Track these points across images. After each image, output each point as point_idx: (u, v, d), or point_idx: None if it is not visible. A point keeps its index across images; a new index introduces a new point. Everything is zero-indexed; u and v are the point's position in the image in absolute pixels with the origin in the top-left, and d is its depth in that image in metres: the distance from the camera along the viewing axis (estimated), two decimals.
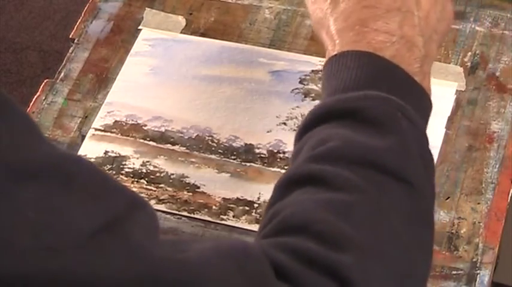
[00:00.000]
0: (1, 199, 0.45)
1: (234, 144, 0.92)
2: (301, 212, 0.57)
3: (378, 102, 0.62)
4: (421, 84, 0.65)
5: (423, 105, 0.66)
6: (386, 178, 0.59)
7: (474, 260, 0.82)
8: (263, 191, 0.89)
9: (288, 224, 0.57)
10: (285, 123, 0.93)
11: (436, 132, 0.90)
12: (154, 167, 0.92)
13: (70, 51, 1.02)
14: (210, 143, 0.93)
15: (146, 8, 1.04)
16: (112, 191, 0.51)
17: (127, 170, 0.92)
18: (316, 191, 0.58)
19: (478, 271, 0.82)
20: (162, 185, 0.90)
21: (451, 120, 0.91)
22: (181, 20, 1.03)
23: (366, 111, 0.61)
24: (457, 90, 0.93)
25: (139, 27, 1.03)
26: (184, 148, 0.93)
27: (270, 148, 0.92)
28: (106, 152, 0.93)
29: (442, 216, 0.85)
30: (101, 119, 0.96)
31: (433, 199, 0.63)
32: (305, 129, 0.64)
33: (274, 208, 0.60)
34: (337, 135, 0.61)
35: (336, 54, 0.66)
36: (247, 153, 0.92)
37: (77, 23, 1.04)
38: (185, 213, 0.88)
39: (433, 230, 0.62)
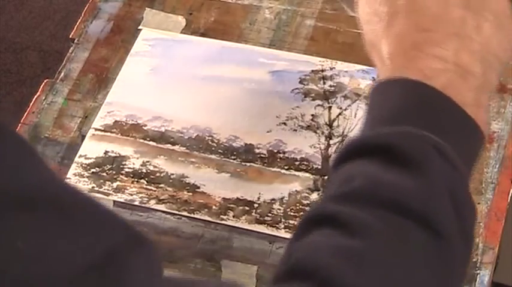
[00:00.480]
0: None
1: (234, 144, 0.92)
2: (312, 258, 0.55)
3: (413, 140, 0.58)
4: (473, 117, 0.60)
5: (472, 140, 0.61)
6: (409, 222, 0.55)
7: (474, 260, 0.82)
8: (263, 191, 0.89)
9: (298, 269, 0.55)
10: (285, 123, 0.93)
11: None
12: (154, 167, 0.92)
13: (70, 51, 1.02)
14: (210, 143, 0.93)
15: (146, 8, 1.04)
16: (110, 224, 0.48)
17: (127, 170, 0.92)
18: (332, 233, 0.55)
19: (478, 271, 0.82)
20: (162, 185, 0.90)
21: None
22: (181, 20, 1.03)
23: (399, 148, 0.57)
24: None
25: (139, 27, 1.03)
26: (184, 148, 0.93)
27: (270, 148, 0.92)
28: (106, 152, 0.93)
29: None
30: (101, 119, 0.96)
31: (466, 252, 0.58)
32: (339, 161, 0.61)
33: (291, 249, 0.57)
34: (364, 173, 0.57)
35: (384, 81, 0.62)
36: (247, 153, 0.92)
37: (77, 23, 1.04)
38: (185, 213, 0.88)
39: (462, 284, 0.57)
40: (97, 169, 0.92)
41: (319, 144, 0.91)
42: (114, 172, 0.92)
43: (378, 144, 0.59)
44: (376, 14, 0.65)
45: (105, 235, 0.47)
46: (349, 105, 0.94)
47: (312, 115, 0.93)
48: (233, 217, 0.87)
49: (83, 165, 0.93)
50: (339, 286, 0.52)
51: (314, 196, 0.88)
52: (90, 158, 0.93)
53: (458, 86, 0.60)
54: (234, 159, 0.91)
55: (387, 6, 0.65)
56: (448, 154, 0.58)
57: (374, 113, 0.62)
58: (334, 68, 0.96)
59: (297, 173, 0.89)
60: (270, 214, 0.87)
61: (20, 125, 0.97)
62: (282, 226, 0.86)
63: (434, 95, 0.60)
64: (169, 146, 0.93)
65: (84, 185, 0.91)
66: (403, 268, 0.54)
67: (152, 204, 0.89)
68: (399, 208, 0.55)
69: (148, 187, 0.90)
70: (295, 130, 0.92)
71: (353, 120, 0.92)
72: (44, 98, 0.98)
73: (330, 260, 0.54)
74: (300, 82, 0.96)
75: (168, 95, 0.97)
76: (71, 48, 1.02)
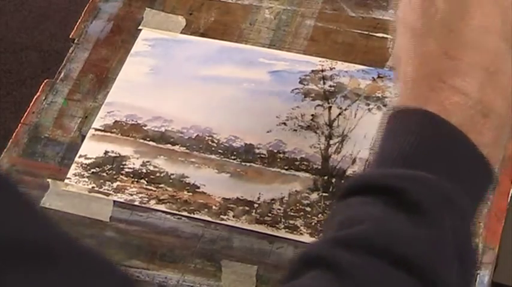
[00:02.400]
0: None
1: (234, 144, 0.92)
2: None
3: (424, 187, 0.55)
4: (490, 157, 0.58)
5: (485, 182, 0.59)
6: (410, 278, 0.52)
7: None
8: (263, 191, 0.89)
9: None
10: (285, 124, 0.93)
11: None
12: (154, 167, 0.92)
13: (70, 51, 1.02)
14: (210, 143, 0.93)
15: (146, 8, 1.04)
16: (103, 273, 0.48)
17: (127, 170, 0.92)
18: (326, 279, 0.53)
19: (478, 271, 0.82)
20: (162, 185, 0.90)
21: None
22: (181, 20, 1.03)
23: (408, 194, 0.55)
24: None
25: (140, 27, 1.03)
26: (184, 148, 0.93)
27: (270, 148, 0.92)
28: (106, 152, 0.93)
29: None
30: (101, 119, 0.96)
31: None
32: (346, 194, 0.58)
33: None
34: (367, 217, 0.55)
35: (402, 109, 0.59)
36: (247, 153, 0.92)
37: (77, 23, 1.04)
38: (185, 213, 0.88)
39: None
40: (97, 169, 0.92)
41: (319, 144, 0.91)
42: (114, 172, 0.92)
43: (388, 185, 0.56)
44: (411, 28, 0.62)
45: (97, 284, 0.47)
46: (349, 105, 0.94)
47: (312, 115, 0.93)
48: (233, 217, 0.87)
49: (83, 165, 0.93)
50: None
51: (314, 196, 0.88)
52: (90, 158, 0.93)
53: (479, 125, 0.57)
54: (234, 159, 0.91)
55: (422, 22, 0.61)
56: (459, 203, 0.55)
57: (387, 145, 0.59)
58: (334, 68, 0.96)
59: (297, 173, 0.89)
60: (270, 214, 0.87)
61: (20, 125, 0.97)
62: (282, 226, 0.86)
63: (451, 134, 0.57)
64: (169, 146, 0.93)
65: (84, 185, 0.91)
66: None
67: (152, 204, 0.89)
68: (401, 260, 0.53)
69: (148, 187, 0.90)
70: (295, 130, 0.92)
71: (353, 121, 0.92)
72: (44, 98, 0.98)
73: None
74: (300, 82, 0.96)
75: (168, 95, 0.97)
76: (71, 48, 1.02)
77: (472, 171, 0.58)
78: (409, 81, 0.60)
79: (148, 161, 0.92)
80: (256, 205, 0.88)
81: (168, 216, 0.88)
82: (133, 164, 0.92)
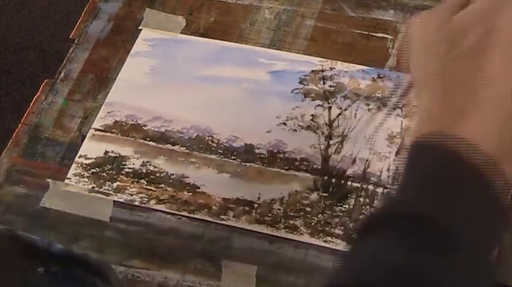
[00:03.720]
0: None
1: (234, 144, 0.92)
2: None
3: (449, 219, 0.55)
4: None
5: (497, 222, 0.58)
6: None
7: None
8: (263, 191, 0.89)
9: None
10: (285, 124, 0.93)
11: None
12: (154, 167, 0.92)
13: (70, 51, 1.02)
14: (210, 143, 0.93)
15: (146, 8, 1.04)
16: None
17: (127, 170, 0.92)
18: None
19: None
20: (162, 185, 0.90)
21: None
22: (181, 20, 1.03)
23: (430, 229, 0.55)
24: None
25: (140, 28, 1.03)
26: (184, 148, 0.93)
27: (270, 148, 0.92)
28: (106, 152, 0.93)
29: None
30: (101, 119, 0.96)
31: None
32: (366, 229, 0.58)
33: None
34: (388, 265, 0.54)
35: (423, 143, 0.59)
36: (247, 153, 0.92)
37: (77, 23, 1.04)
38: (185, 213, 0.88)
39: None
40: (97, 169, 0.92)
41: (319, 144, 0.91)
42: (114, 172, 0.92)
43: (409, 216, 0.56)
44: (435, 51, 0.61)
45: None
46: (349, 106, 0.94)
47: (312, 115, 0.93)
48: (233, 217, 0.87)
49: (83, 165, 0.93)
50: None
51: (314, 196, 0.88)
52: (90, 158, 0.93)
53: (508, 153, 0.57)
54: (234, 159, 0.91)
55: (450, 45, 0.61)
56: (476, 238, 0.56)
57: (411, 176, 0.59)
58: (334, 68, 0.96)
59: (297, 173, 0.89)
60: (270, 214, 0.87)
61: (20, 125, 0.97)
62: (282, 226, 0.86)
63: (470, 174, 0.57)
64: (169, 146, 0.93)
65: (84, 185, 0.91)
66: None
67: (152, 204, 0.89)
68: None
69: (148, 187, 0.90)
70: (295, 130, 0.92)
71: (353, 121, 0.92)
72: (44, 98, 0.98)
73: None
74: (300, 82, 0.96)
75: (168, 95, 0.97)
76: (71, 48, 1.02)
77: (487, 212, 0.57)
78: (436, 105, 0.59)
79: (148, 161, 0.92)
80: (256, 205, 0.88)
81: (168, 216, 0.88)
82: (133, 164, 0.92)
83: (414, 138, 0.59)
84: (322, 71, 0.96)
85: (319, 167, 0.90)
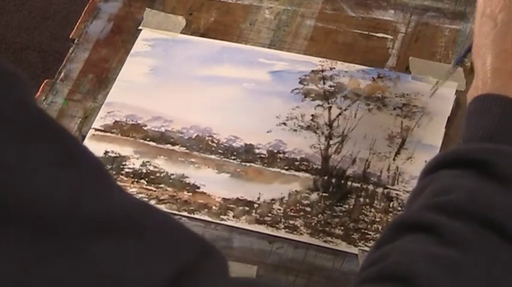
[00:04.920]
0: (74, 254, 0.45)
1: (234, 144, 0.92)
2: (408, 263, 0.55)
3: (511, 160, 0.59)
4: None
5: None
6: (505, 243, 0.55)
7: None
8: (263, 191, 0.89)
9: (392, 272, 0.55)
10: (285, 124, 0.93)
11: (436, 132, 0.90)
12: (155, 167, 0.92)
13: (70, 51, 1.02)
14: (210, 143, 0.93)
15: (146, 8, 1.04)
16: (183, 240, 0.50)
17: (127, 170, 0.92)
18: (427, 241, 0.56)
19: None
20: (162, 185, 0.90)
21: (451, 120, 0.91)
22: (181, 20, 1.03)
23: (497, 166, 0.58)
24: (457, 91, 0.93)
25: (140, 28, 1.03)
26: (184, 148, 0.93)
27: (270, 148, 0.92)
28: (106, 152, 0.93)
29: None
30: (101, 119, 0.96)
31: None
32: (431, 170, 0.62)
33: (382, 250, 0.58)
34: (461, 186, 0.58)
35: (484, 95, 0.64)
36: (247, 153, 0.92)
37: (77, 23, 1.04)
38: (185, 213, 0.88)
39: None
40: None
41: (319, 144, 0.91)
42: (114, 172, 0.92)
43: (476, 158, 0.59)
44: (493, 18, 0.65)
45: (178, 253, 0.49)
46: (349, 106, 0.94)
47: (312, 115, 0.93)
48: (233, 217, 0.87)
49: None
50: None
51: (314, 196, 0.88)
52: None
53: None
54: (234, 159, 0.91)
55: (507, 13, 0.65)
56: None
57: (472, 125, 0.63)
58: (334, 68, 0.96)
59: (297, 173, 0.89)
60: (270, 214, 0.87)
61: None
62: (282, 226, 0.86)
63: None
64: (169, 146, 0.93)
65: None
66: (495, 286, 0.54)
67: (152, 204, 0.89)
68: (496, 226, 0.55)
69: (148, 187, 0.90)
70: (295, 130, 0.92)
71: (353, 121, 0.92)
72: (44, 98, 0.98)
73: (426, 268, 0.54)
74: (300, 82, 0.96)
75: (168, 95, 0.97)
76: (71, 49, 1.02)
77: None
78: (489, 72, 0.64)
79: (148, 161, 0.92)
80: (256, 205, 0.88)
81: None
82: (133, 164, 0.92)
83: (472, 100, 0.64)
84: (322, 71, 0.96)
85: (319, 167, 0.90)
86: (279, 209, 0.87)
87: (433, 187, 0.60)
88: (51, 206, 0.45)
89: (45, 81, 1.00)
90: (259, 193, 0.89)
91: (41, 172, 0.45)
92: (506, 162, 0.58)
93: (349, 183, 0.88)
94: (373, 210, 0.86)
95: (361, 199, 0.87)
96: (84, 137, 0.95)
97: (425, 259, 0.55)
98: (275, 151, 0.91)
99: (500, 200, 0.57)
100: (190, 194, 0.89)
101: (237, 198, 0.89)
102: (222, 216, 0.88)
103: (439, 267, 0.54)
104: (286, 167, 0.90)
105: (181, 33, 1.02)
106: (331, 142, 0.91)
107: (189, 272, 0.48)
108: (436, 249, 0.55)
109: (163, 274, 0.47)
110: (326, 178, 0.89)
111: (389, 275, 0.55)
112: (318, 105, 0.94)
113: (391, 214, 0.85)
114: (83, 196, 0.46)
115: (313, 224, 0.86)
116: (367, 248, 0.83)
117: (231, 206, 0.88)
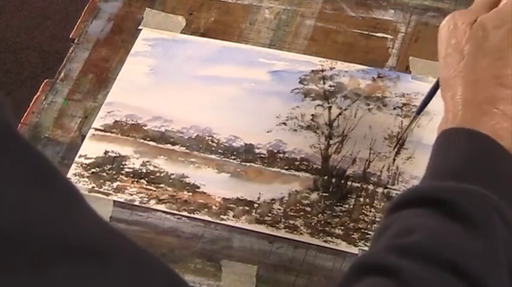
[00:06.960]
0: (34, 276, 0.43)
1: (234, 144, 0.92)
2: None
3: (476, 200, 0.58)
4: None
5: None
6: (465, 285, 0.54)
7: None
8: (263, 191, 0.89)
9: None
10: (285, 124, 0.93)
11: (436, 132, 0.90)
12: (155, 167, 0.92)
13: (70, 51, 1.02)
14: (210, 143, 0.93)
15: (146, 8, 1.04)
16: (150, 272, 0.49)
17: (127, 170, 0.92)
18: (384, 284, 0.55)
19: None
20: (162, 185, 0.90)
21: None
22: (181, 20, 1.03)
23: (461, 206, 0.57)
24: None
25: (140, 27, 1.03)
26: (184, 148, 0.93)
27: (270, 148, 0.92)
28: (106, 152, 0.93)
29: None
30: (101, 119, 0.96)
31: None
32: (395, 208, 0.61)
33: None
34: (423, 226, 0.57)
35: (453, 128, 0.63)
36: (247, 153, 0.92)
37: (77, 23, 1.04)
38: (185, 213, 0.88)
39: None
40: (97, 169, 0.92)
41: (319, 144, 0.91)
42: (114, 172, 0.92)
43: (440, 198, 0.58)
44: (459, 51, 0.64)
45: (144, 285, 0.47)
46: (349, 105, 0.94)
47: (312, 115, 0.93)
48: (233, 217, 0.87)
49: (83, 165, 0.93)
50: None
51: (314, 196, 0.88)
52: (90, 158, 0.93)
53: None
54: (234, 159, 0.91)
55: (473, 45, 0.64)
56: (508, 218, 0.57)
57: (439, 161, 0.62)
58: (334, 68, 0.96)
59: (297, 173, 0.89)
60: (270, 214, 0.87)
61: (20, 125, 0.97)
62: (282, 226, 0.86)
63: (501, 155, 0.60)
64: (169, 146, 0.93)
65: (84, 185, 0.91)
66: None
67: (152, 204, 0.89)
68: (457, 269, 0.54)
69: (148, 187, 0.90)
70: (295, 130, 0.92)
71: (353, 121, 0.92)
72: (44, 98, 0.98)
73: None
74: (300, 82, 0.96)
75: (168, 95, 0.97)
76: (71, 48, 1.02)
77: None
78: (459, 104, 0.63)
79: (148, 161, 0.92)
80: (256, 205, 0.88)
81: (168, 216, 0.88)
82: (133, 164, 0.92)
83: (440, 133, 0.63)
84: (322, 71, 0.96)
85: (319, 167, 0.90)
86: (279, 209, 0.87)
87: (395, 227, 0.59)
88: (15, 225, 0.43)
89: (45, 81, 1.00)
90: (259, 193, 0.89)
91: (9, 190, 0.44)
92: (469, 202, 0.57)
93: (349, 183, 0.88)
94: (373, 210, 0.86)
95: (361, 199, 0.87)
96: (84, 137, 0.95)
97: None
98: (275, 151, 0.91)
99: (461, 241, 0.56)
100: (190, 194, 0.89)
101: (237, 198, 0.89)
102: (222, 216, 0.88)
103: None
104: (286, 167, 0.90)
105: (181, 33, 1.02)
106: (331, 142, 0.91)
107: None
108: None
109: None
110: (326, 177, 0.89)
111: None
112: (318, 105, 0.94)
113: None
114: (48, 217, 0.45)
115: (313, 224, 0.86)
116: (367, 248, 0.83)
117: (231, 206, 0.88)
